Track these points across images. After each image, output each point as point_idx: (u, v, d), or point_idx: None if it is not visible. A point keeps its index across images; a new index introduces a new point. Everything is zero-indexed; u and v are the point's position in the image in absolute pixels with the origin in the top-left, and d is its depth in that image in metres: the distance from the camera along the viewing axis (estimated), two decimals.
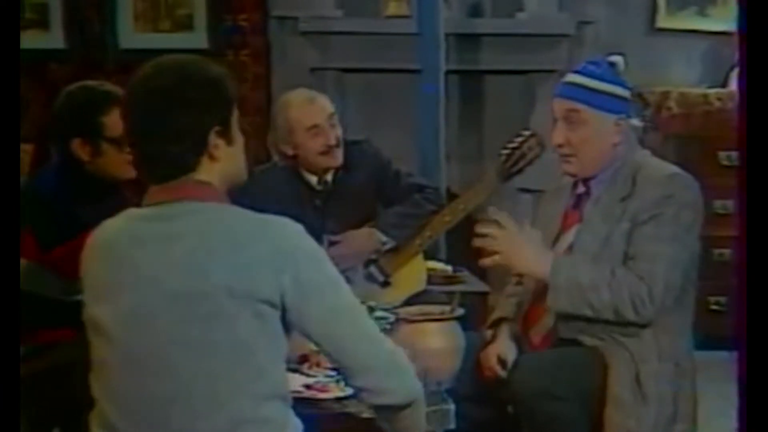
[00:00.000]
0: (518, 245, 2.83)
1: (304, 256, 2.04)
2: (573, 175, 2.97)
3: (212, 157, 2.07)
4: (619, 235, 2.82)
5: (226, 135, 2.08)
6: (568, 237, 2.95)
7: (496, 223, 2.83)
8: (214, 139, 2.06)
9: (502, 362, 2.91)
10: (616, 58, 2.95)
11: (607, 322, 2.78)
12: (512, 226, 2.83)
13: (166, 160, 2.05)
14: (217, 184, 2.09)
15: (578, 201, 2.99)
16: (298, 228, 2.07)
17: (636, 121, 2.97)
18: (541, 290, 2.87)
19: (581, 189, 2.98)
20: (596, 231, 2.87)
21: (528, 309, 3.01)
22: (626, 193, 2.85)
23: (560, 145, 2.93)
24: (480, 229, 2.84)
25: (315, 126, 3.61)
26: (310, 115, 3.62)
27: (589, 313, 2.77)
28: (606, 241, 2.84)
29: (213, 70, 2.10)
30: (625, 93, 2.93)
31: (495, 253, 2.82)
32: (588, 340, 2.84)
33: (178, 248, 2.00)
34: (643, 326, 2.78)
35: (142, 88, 2.05)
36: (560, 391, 2.70)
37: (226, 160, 2.09)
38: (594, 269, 2.79)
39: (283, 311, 2.01)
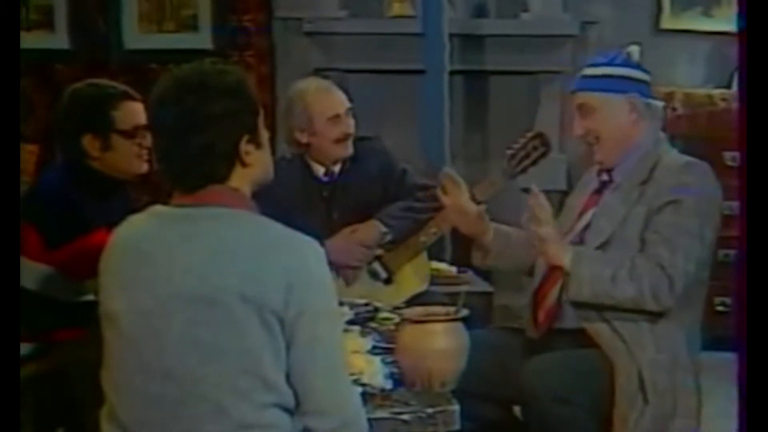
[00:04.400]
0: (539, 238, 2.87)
1: (314, 280, 2.03)
2: (601, 163, 3.02)
3: (244, 164, 2.08)
4: (634, 219, 2.87)
5: (255, 140, 2.09)
6: (584, 220, 3.01)
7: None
8: (245, 147, 2.07)
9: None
10: (632, 48, 3.00)
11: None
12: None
13: (198, 174, 2.06)
14: (247, 188, 2.10)
15: (601, 187, 3.04)
16: (318, 251, 2.07)
17: (656, 102, 3.00)
18: (550, 273, 2.94)
19: (604, 177, 3.03)
20: (613, 214, 2.92)
21: (537, 289, 3.04)
22: (644, 177, 2.91)
23: (582, 136, 3.00)
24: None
25: (336, 116, 3.64)
26: (332, 104, 3.66)
27: (609, 303, 2.81)
28: (622, 223, 2.88)
29: (233, 77, 2.09)
30: (639, 75, 2.98)
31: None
32: (587, 325, 2.86)
33: (197, 251, 2.00)
34: (660, 314, 2.81)
35: (167, 107, 2.04)
36: (570, 394, 2.71)
37: (256, 164, 2.10)
38: (614, 260, 2.82)
39: (282, 327, 2.00)
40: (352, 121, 3.69)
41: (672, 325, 2.84)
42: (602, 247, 2.90)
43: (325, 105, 3.65)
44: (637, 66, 2.99)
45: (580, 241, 2.98)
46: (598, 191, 3.04)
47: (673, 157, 2.95)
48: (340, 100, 3.69)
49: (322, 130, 3.64)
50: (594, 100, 2.97)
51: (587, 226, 2.98)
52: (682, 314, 2.87)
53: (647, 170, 2.91)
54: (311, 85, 3.77)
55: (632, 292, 2.77)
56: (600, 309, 2.84)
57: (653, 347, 2.81)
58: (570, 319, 2.91)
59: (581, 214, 3.04)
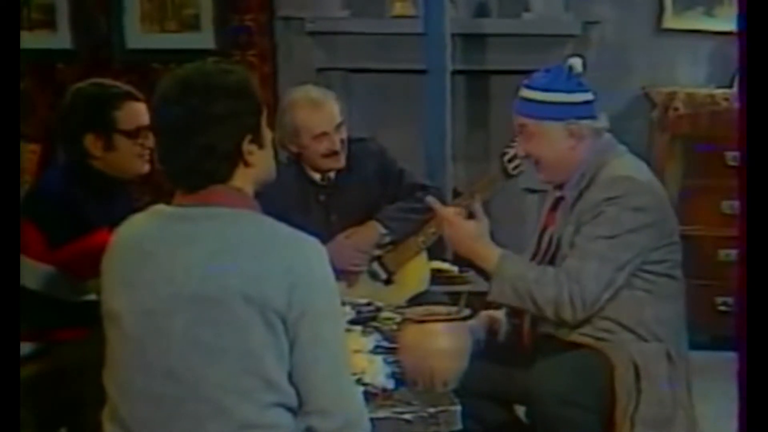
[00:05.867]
0: (467, 235, 2.88)
1: (317, 280, 2.03)
2: (546, 182, 3.03)
3: (247, 164, 2.08)
4: (566, 237, 2.86)
5: (258, 140, 2.09)
6: (545, 241, 2.99)
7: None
8: (247, 147, 2.07)
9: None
10: (573, 61, 2.93)
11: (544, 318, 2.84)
12: (460, 220, 2.91)
13: (200, 174, 2.06)
14: (250, 188, 2.10)
15: (556, 203, 3.02)
16: (321, 250, 2.07)
17: (599, 122, 2.93)
18: None
19: (558, 192, 3.01)
20: (557, 232, 2.92)
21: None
22: (576, 195, 2.89)
23: (524, 157, 3.01)
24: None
25: (323, 134, 3.60)
26: (319, 122, 3.60)
27: (530, 307, 2.82)
28: (559, 242, 2.89)
29: (236, 76, 2.09)
30: (578, 97, 2.91)
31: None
32: (564, 334, 2.86)
33: (199, 250, 2.01)
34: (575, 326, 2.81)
35: (170, 107, 2.04)
36: (575, 396, 2.70)
37: (259, 163, 2.10)
38: (540, 266, 2.84)
39: (285, 327, 2.00)
40: (342, 137, 3.63)
41: (652, 320, 2.83)
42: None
43: (312, 122, 3.60)
44: (577, 85, 2.92)
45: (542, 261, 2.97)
46: (554, 207, 3.02)
47: (612, 167, 2.88)
48: (329, 117, 3.62)
49: (308, 145, 3.62)
50: (532, 126, 2.92)
51: (549, 247, 2.97)
52: (660, 308, 2.85)
53: (580, 189, 2.88)
54: (303, 97, 3.68)
55: (552, 294, 2.75)
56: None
57: (636, 340, 2.80)
58: (544, 326, 2.91)
59: (542, 233, 3.03)
